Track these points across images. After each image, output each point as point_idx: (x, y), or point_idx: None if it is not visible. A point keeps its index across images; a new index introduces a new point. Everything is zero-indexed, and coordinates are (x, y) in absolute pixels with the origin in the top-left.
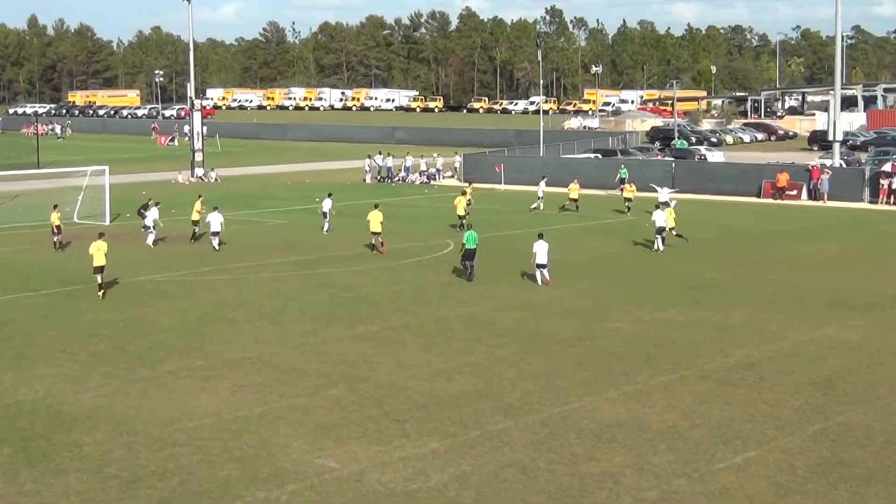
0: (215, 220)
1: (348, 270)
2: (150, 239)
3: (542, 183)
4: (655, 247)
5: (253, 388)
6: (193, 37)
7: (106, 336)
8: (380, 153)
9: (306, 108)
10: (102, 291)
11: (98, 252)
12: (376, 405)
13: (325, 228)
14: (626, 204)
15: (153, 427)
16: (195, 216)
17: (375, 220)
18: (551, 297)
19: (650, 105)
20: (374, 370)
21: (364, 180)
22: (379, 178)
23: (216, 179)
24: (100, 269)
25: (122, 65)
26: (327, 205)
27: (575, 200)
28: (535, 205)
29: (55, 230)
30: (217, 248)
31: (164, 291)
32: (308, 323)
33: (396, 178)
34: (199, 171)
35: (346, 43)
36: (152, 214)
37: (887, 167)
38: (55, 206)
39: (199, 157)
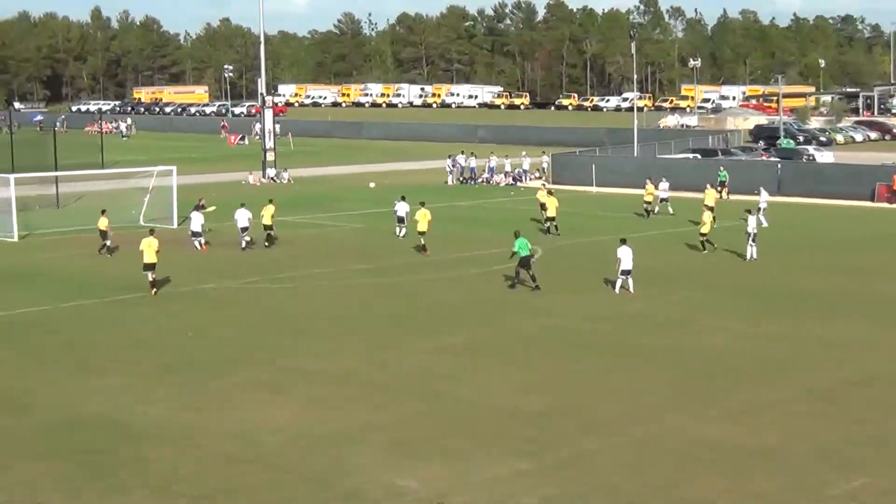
0: (243, 217)
1: (427, 278)
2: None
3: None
4: (749, 255)
5: (326, 402)
6: (264, 29)
7: (173, 346)
8: (462, 153)
9: (383, 104)
10: (154, 290)
11: (149, 249)
12: (457, 422)
13: (401, 233)
14: (645, 206)
15: (222, 442)
16: (267, 220)
17: (423, 219)
18: (640, 309)
19: (753, 101)
20: (454, 385)
21: (446, 182)
22: (462, 179)
23: (288, 180)
24: (150, 267)
25: (190, 59)
26: (402, 209)
27: (648, 203)
28: (652, 209)
29: (102, 235)
30: (244, 247)
31: (235, 299)
32: (385, 334)
33: (480, 180)
34: (271, 172)
35: (425, 35)
36: (197, 219)
37: None
38: (103, 211)
39: (270, 156)
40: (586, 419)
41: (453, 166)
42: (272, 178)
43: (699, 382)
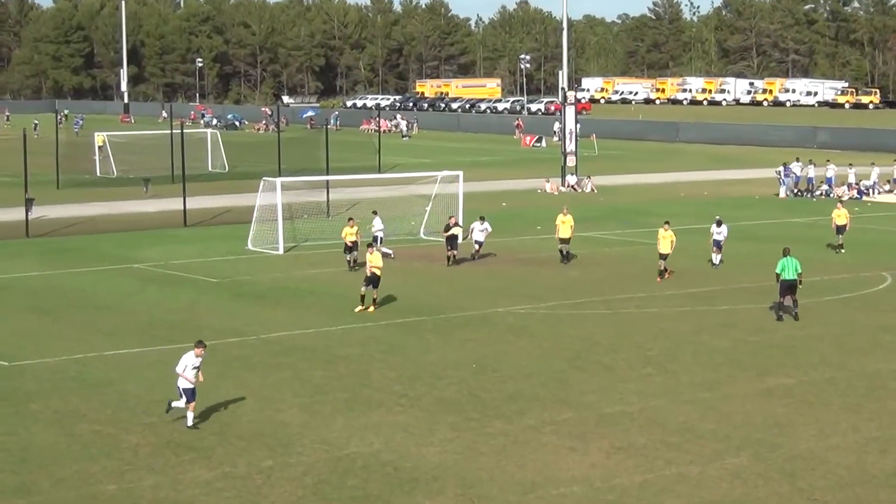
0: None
1: (757, 308)
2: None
3: None
4: None
5: (633, 450)
6: (567, 13)
7: (456, 379)
8: (797, 160)
9: (704, 102)
10: (370, 308)
11: (374, 258)
12: (788, 480)
13: (716, 260)
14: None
15: (510, 493)
16: (565, 232)
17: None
18: None
19: None
20: (787, 436)
21: (777, 194)
22: (796, 191)
23: (592, 189)
24: (372, 280)
25: (481, 48)
26: (722, 233)
27: None
28: None
29: (349, 246)
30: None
31: (527, 327)
32: (705, 372)
33: (818, 192)
34: (572, 179)
35: (756, 20)
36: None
37: None
38: (350, 220)
39: (571, 161)
40: None
41: (786, 176)
42: (572, 187)
43: None
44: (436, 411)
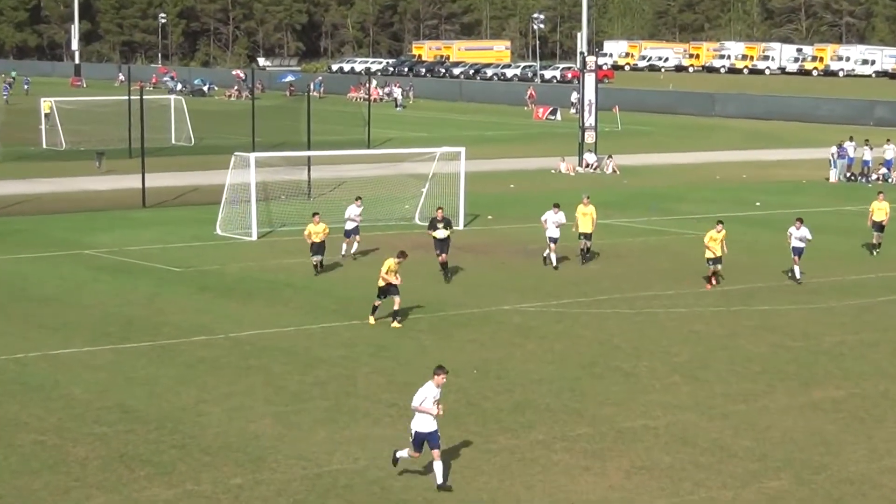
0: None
1: (802, 308)
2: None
3: None
4: None
5: (657, 470)
6: None
7: (454, 387)
8: (850, 139)
9: (745, 70)
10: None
11: (389, 269)
12: None
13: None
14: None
15: None
16: (585, 226)
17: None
18: None
19: None
20: (835, 456)
21: (827, 178)
22: (849, 174)
23: (614, 171)
24: (387, 292)
25: (488, 5)
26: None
27: None
28: None
29: (316, 248)
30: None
31: (537, 328)
32: (740, 382)
33: (874, 177)
34: (591, 158)
35: None
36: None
37: None
38: (315, 215)
39: (590, 137)
40: None
41: (840, 157)
42: (591, 167)
43: None
44: None
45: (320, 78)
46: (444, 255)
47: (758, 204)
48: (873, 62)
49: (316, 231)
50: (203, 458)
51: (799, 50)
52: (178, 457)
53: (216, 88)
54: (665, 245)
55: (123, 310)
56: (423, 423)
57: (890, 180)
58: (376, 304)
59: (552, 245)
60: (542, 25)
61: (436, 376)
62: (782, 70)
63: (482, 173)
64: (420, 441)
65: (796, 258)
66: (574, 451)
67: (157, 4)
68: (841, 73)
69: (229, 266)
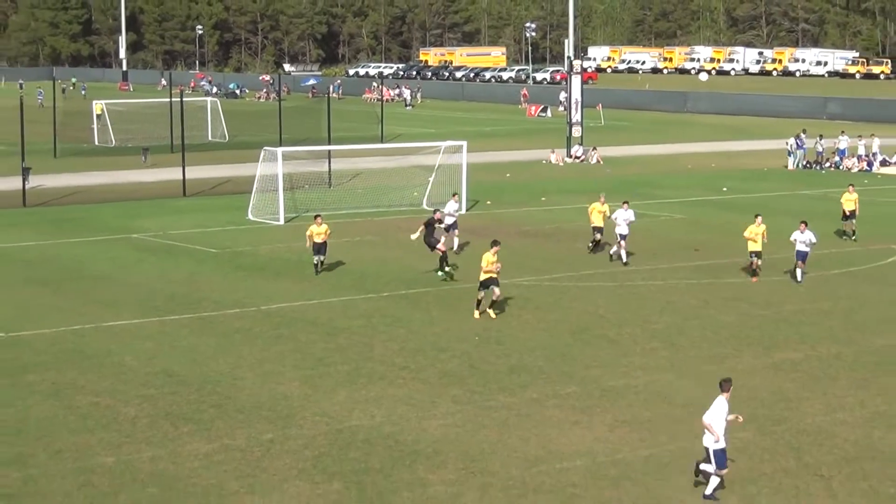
0: (623, 218)
1: (765, 281)
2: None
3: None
4: None
5: (638, 424)
6: None
7: (458, 352)
8: (804, 132)
9: (713, 71)
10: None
11: (489, 262)
12: (794, 455)
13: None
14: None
15: (513, 467)
16: (597, 220)
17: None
18: None
19: None
20: (795, 410)
21: (786, 166)
22: (805, 163)
23: (598, 161)
24: (488, 284)
25: (486, 16)
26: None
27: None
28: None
29: (317, 248)
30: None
31: (531, 299)
32: (711, 347)
33: (827, 164)
34: (578, 150)
35: None
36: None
37: None
38: (317, 217)
39: (577, 131)
40: None
41: (797, 147)
42: (578, 158)
43: None
44: (438, 384)
45: (339, 81)
46: (443, 249)
47: (725, 189)
48: (826, 63)
49: (318, 232)
50: (238, 416)
51: (760, 53)
52: (216, 415)
53: (247, 91)
54: (645, 227)
55: (167, 287)
56: (712, 440)
57: (841, 167)
58: (479, 298)
59: (622, 242)
60: (533, 34)
61: (724, 392)
62: (746, 71)
63: (482, 164)
64: (716, 457)
65: (800, 262)
66: (564, 407)
67: (195, 17)
68: (797, 74)
69: (260, 247)
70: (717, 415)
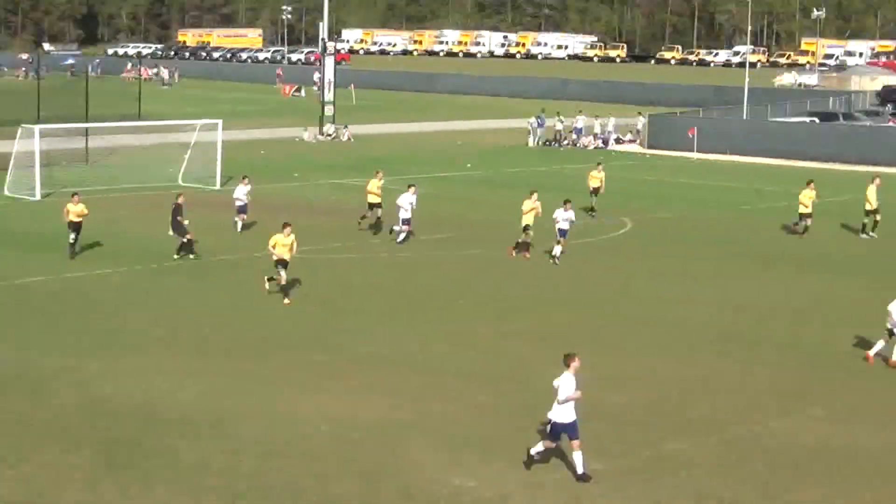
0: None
1: (503, 253)
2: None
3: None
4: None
5: (382, 389)
6: None
7: (209, 322)
8: (543, 111)
9: (461, 54)
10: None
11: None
12: (529, 414)
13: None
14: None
15: (259, 432)
16: (373, 198)
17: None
18: (750, 295)
19: (883, 59)
20: (528, 373)
21: (527, 143)
22: (545, 140)
23: (349, 138)
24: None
25: None
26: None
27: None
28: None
29: (70, 225)
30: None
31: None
32: (451, 315)
33: (566, 142)
34: (330, 128)
35: None
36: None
37: None
38: (74, 195)
39: (329, 110)
40: (679, 417)
41: (538, 126)
42: (330, 136)
43: (814, 378)
44: (188, 353)
45: (98, 60)
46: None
47: (469, 165)
48: (567, 47)
49: (75, 210)
50: None
51: (505, 37)
52: None
53: (6, 70)
54: (394, 201)
55: None
56: (564, 414)
57: (578, 145)
58: (274, 277)
59: (561, 239)
60: (289, 16)
61: (572, 363)
62: (491, 54)
63: (237, 142)
64: (558, 432)
65: (562, 239)
66: (311, 373)
67: None
68: (540, 56)
69: (15, 222)
70: (568, 389)
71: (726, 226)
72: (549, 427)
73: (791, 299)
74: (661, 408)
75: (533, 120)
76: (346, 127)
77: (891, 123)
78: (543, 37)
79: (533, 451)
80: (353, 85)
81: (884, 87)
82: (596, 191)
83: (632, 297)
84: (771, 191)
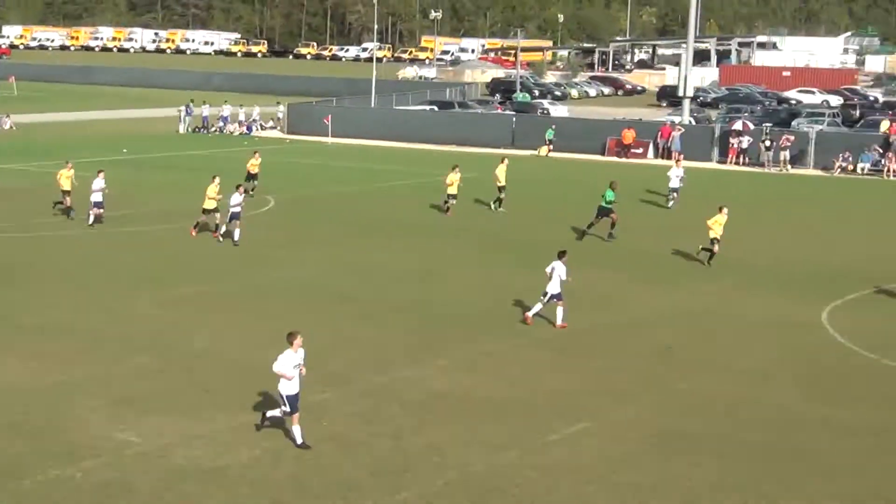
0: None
1: (163, 228)
2: None
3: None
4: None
5: (48, 356)
6: None
7: None
8: (191, 101)
9: (115, 49)
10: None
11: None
12: (186, 375)
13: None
14: (449, 201)
15: None
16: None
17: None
18: (385, 260)
19: (492, 55)
20: (186, 338)
21: (178, 130)
22: (193, 127)
23: (11, 127)
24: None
25: None
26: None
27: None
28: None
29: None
30: (91, 223)
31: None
32: (114, 286)
33: (213, 129)
34: None
35: None
36: None
37: (738, 125)
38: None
39: None
40: (320, 371)
41: (187, 115)
42: None
43: (436, 333)
44: None
45: None
46: None
47: (125, 151)
48: (213, 43)
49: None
50: None
51: (156, 34)
52: None
53: None
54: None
55: None
56: (286, 385)
57: (224, 131)
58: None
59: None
60: None
61: (293, 342)
62: (144, 49)
63: None
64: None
65: (237, 221)
66: None
67: None
68: (188, 52)
69: None
70: (286, 364)
71: (358, 200)
72: (283, 399)
73: (422, 264)
74: (307, 363)
75: (182, 108)
76: (7, 116)
77: (498, 110)
78: (191, 34)
79: (270, 414)
80: (13, 77)
81: (493, 79)
82: (254, 176)
83: (271, 265)
84: (398, 170)
